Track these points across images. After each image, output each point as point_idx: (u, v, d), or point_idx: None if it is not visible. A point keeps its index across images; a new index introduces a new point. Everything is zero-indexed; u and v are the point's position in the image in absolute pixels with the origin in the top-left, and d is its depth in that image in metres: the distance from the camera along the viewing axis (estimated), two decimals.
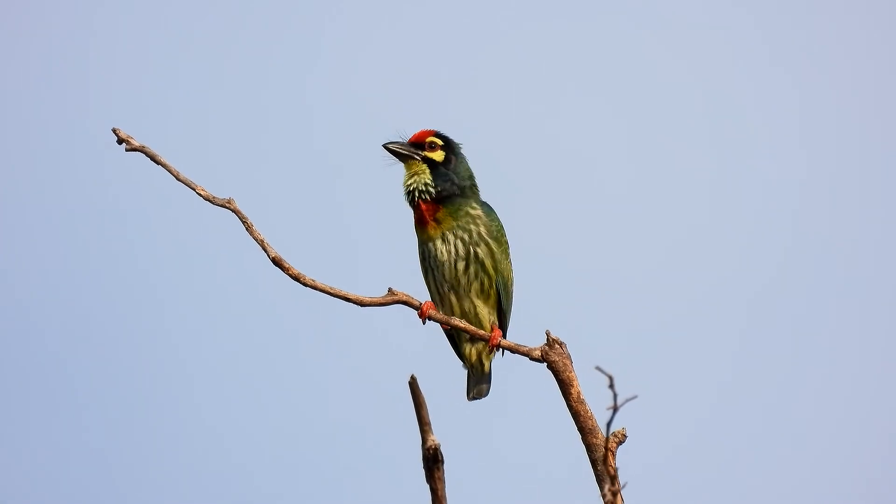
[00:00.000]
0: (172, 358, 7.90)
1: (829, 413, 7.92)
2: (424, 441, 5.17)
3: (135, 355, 7.94)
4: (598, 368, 4.95)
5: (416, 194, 6.02)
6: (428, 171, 6.04)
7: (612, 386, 4.69)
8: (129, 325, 7.96)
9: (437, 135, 6.11)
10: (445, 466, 5.18)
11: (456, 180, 6.04)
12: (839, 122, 8.47)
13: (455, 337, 6.15)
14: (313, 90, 8.29)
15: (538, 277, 6.26)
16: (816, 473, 7.75)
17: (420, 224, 6.01)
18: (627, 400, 4.87)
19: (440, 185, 6.01)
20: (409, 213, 6.07)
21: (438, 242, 5.97)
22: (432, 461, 5.16)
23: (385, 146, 6.09)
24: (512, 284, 6.06)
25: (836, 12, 8.53)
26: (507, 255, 6.04)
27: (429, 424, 5.17)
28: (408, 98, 7.97)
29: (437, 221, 5.98)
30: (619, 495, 5.42)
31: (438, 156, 6.07)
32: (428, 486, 5.20)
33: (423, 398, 5.22)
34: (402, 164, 6.09)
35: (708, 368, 7.89)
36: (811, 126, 8.47)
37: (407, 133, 6.11)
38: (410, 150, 6.07)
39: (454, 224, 5.97)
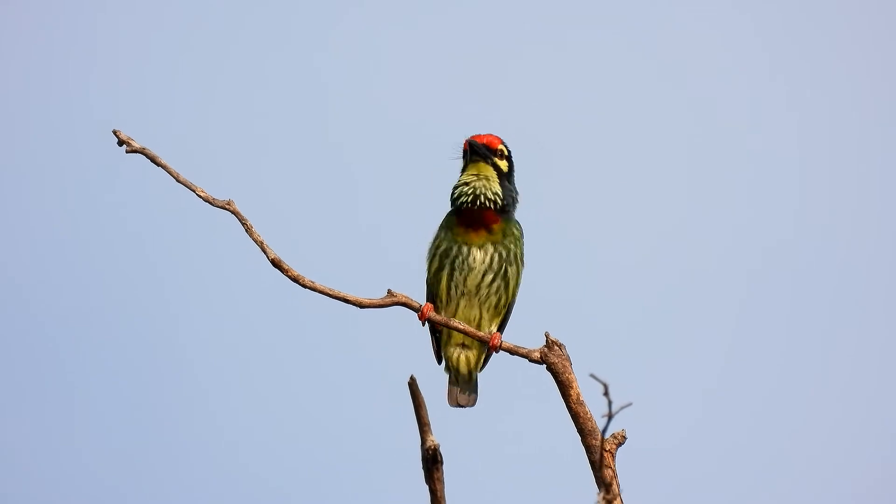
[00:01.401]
0: (171, 359, 7.91)
1: (827, 415, 7.93)
2: (424, 441, 5.18)
3: (133, 356, 7.95)
4: (592, 376, 5.00)
5: (483, 199, 5.96)
6: (497, 179, 5.97)
7: (606, 393, 4.74)
8: (128, 326, 7.96)
9: (504, 144, 6.04)
10: (445, 467, 5.19)
11: (516, 198, 5.99)
12: (832, 122, 8.49)
13: (441, 339, 6.09)
14: (315, 92, 8.30)
15: (538, 279, 6.27)
16: (815, 476, 7.76)
17: (470, 227, 5.94)
18: (622, 407, 4.93)
19: (506, 198, 5.94)
20: (408, 208, 6.06)
21: (475, 248, 5.89)
22: (431, 462, 5.17)
23: (471, 141, 5.98)
24: (513, 305, 6.02)
25: (831, 13, 8.56)
26: (521, 278, 6.00)
27: (428, 425, 5.17)
28: (409, 102, 7.98)
29: (491, 232, 5.91)
30: (619, 499, 5.44)
31: (504, 166, 6.01)
32: (427, 487, 5.21)
33: (422, 399, 5.23)
34: (468, 163, 5.98)
35: (708, 367, 7.91)
36: (803, 126, 8.50)
37: (468, 133, 6.04)
38: (488, 152, 5.97)
39: (501, 238, 5.90)
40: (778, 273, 8.18)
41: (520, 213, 6.04)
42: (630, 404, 5.04)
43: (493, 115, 6.21)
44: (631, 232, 8.15)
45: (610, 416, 4.96)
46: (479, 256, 5.88)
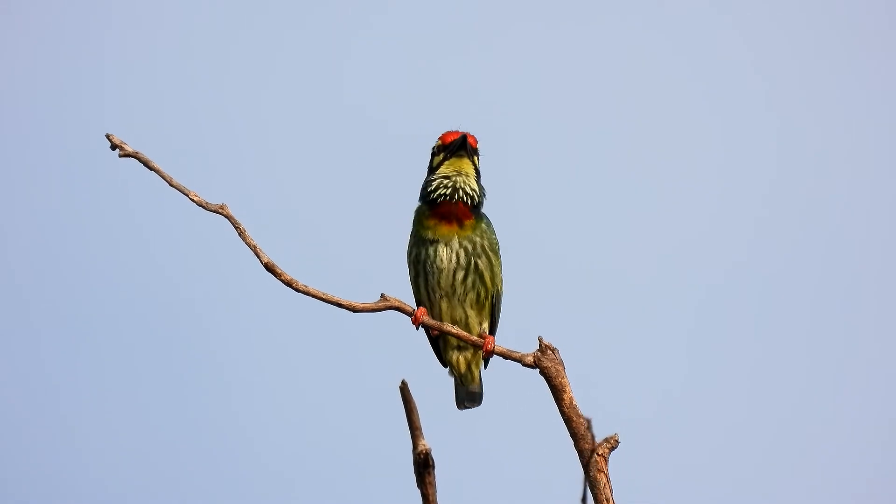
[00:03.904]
0: (163, 363, 7.91)
1: (833, 420, 7.94)
2: (415, 446, 5.18)
3: (125, 360, 7.95)
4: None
5: (461, 194, 5.98)
6: (474, 176, 6.02)
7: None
8: (119, 330, 7.96)
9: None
10: (436, 471, 5.19)
11: (485, 195, 6.03)
12: (815, 124, 8.52)
13: (440, 345, 6.12)
14: (308, 96, 8.30)
15: (531, 283, 6.26)
16: (810, 475, 7.76)
17: (443, 220, 5.97)
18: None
19: (482, 196, 6.00)
20: (403, 211, 6.06)
21: (441, 247, 5.93)
22: (423, 466, 5.17)
23: (465, 135, 6.00)
24: (502, 297, 6.04)
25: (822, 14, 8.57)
26: (501, 268, 6.02)
27: (420, 429, 5.18)
28: (401, 104, 7.99)
29: (462, 227, 5.94)
30: (611, 501, 5.43)
31: (477, 164, 6.06)
32: (419, 491, 5.21)
33: (414, 403, 5.23)
34: (449, 158, 6.02)
35: (705, 367, 7.91)
36: (786, 127, 8.52)
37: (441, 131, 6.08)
38: (473, 149, 6.04)
39: (469, 234, 5.94)
40: (765, 269, 8.20)
41: (517, 215, 6.07)
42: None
43: (479, 115, 6.20)
44: (630, 235, 8.16)
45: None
46: (445, 255, 5.92)
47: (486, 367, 6.10)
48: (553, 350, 5.70)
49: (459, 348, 6.07)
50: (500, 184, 6.09)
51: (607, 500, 5.46)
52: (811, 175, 8.43)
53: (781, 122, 8.54)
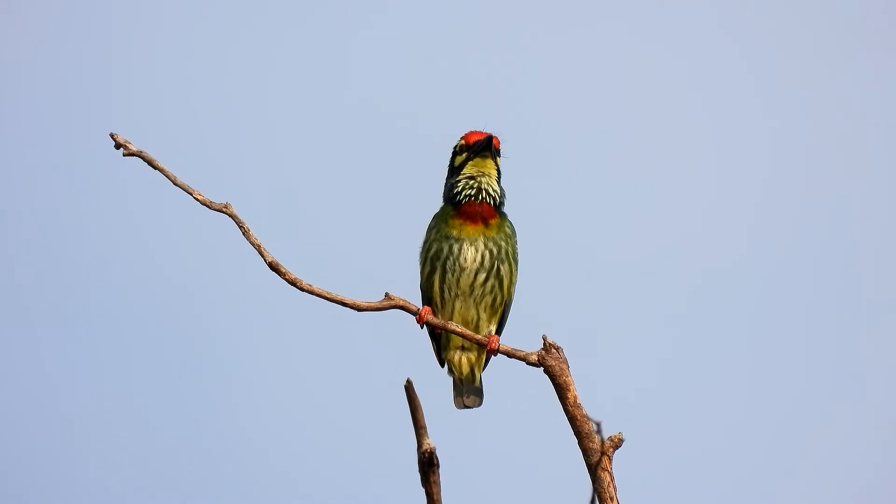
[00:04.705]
0: (166, 362, 7.91)
1: (833, 419, 7.95)
2: (420, 445, 5.18)
3: (129, 360, 7.95)
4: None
5: (485, 194, 5.99)
6: (496, 176, 6.03)
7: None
8: (122, 329, 7.96)
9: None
10: (441, 470, 5.19)
11: (505, 196, 6.05)
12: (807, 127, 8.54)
13: (441, 344, 6.11)
14: (310, 95, 8.31)
15: (535, 282, 6.27)
16: (817, 481, 7.77)
17: (468, 220, 5.97)
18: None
19: (503, 196, 6.02)
20: (407, 210, 6.06)
21: (467, 245, 5.93)
22: (428, 465, 5.18)
23: (491, 136, 6.02)
24: (510, 306, 6.05)
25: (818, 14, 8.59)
26: (517, 277, 6.02)
27: (424, 428, 5.18)
28: (404, 103, 7.99)
29: (487, 226, 5.95)
30: (615, 502, 5.44)
31: (499, 165, 6.07)
32: (423, 490, 5.21)
33: (418, 402, 5.24)
34: (472, 158, 6.03)
35: (705, 369, 7.92)
36: (778, 129, 8.54)
37: (461, 131, 6.09)
38: (496, 151, 6.07)
39: (495, 235, 5.94)
40: (765, 269, 8.21)
41: (511, 215, 6.08)
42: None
43: (481, 113, 6.21)
44: (629, 233, 8.17)
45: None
46: (470, 254, 5.91)
47: (483, 369, 6.09)
48: (557, 349, 5.70)
49: (463, 349, 6.07)
50: (502, 183, 6.09)
51: (611, 499, 5.47)
52: (807, 175, 8.45)
53: (779, 123, 8.56)
